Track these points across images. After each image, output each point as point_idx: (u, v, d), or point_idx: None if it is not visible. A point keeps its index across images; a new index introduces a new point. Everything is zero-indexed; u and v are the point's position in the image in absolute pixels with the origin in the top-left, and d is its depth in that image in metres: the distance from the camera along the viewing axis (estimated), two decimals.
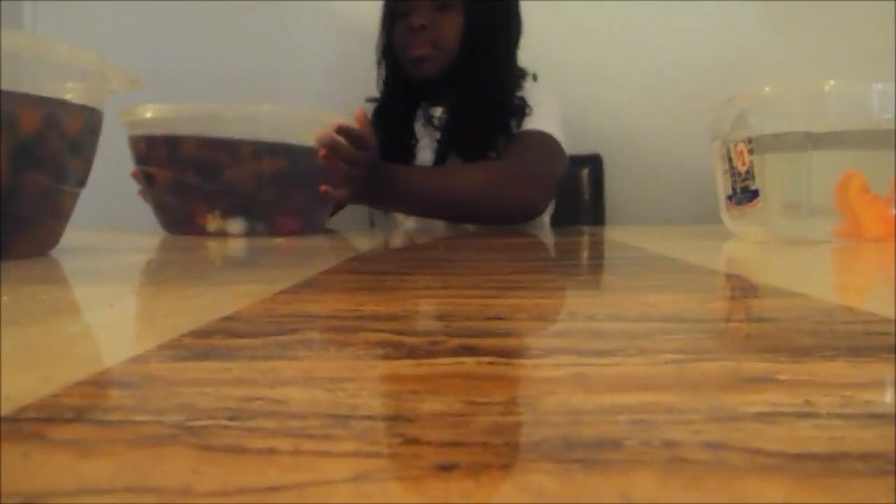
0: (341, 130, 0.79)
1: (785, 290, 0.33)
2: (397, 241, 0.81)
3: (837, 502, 0.10)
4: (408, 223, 1.12)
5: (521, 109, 1.08)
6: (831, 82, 0.63)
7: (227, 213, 0.78)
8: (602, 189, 1.42)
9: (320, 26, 1.44)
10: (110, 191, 1.33)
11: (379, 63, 1.17)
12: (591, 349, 0.19)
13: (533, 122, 1.06)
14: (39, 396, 0.15)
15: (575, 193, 1.41)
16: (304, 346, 0.20)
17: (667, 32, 1.42)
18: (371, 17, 1.17)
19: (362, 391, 0.15)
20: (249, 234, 0.78)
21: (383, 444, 0.12)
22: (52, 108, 0.47)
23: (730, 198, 0.71)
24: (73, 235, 0.56)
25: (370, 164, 0.84)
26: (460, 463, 0.11)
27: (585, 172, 1.41)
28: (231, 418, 0.13)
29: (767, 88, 0.66)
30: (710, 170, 0.75)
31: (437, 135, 1.11)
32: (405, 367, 0.18)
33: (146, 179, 0.82)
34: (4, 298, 0.30)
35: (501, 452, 0.12)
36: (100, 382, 0.16)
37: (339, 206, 1.13)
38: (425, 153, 1.12)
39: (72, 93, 0.49)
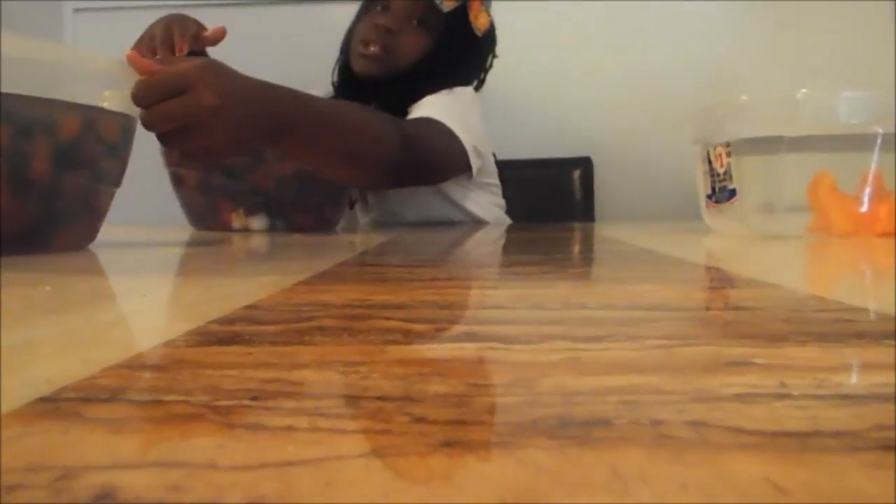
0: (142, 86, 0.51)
1: (760, 281, 0.33)
2: (405, 237, 0.81)
3: (812, 477, 0.09)
4: (407, 214, 1.08)
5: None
6: (803, 91, 0.62)
7: (250, 211, 0.78)
8: (592, 189, 1.42)
9: (324, 27, 1.43)
10: (143, 190, 1.33)
11: (342, 50, 1.06)
12: (584, 335, 0.19)
13: (437, 112, 0.90)
14: (78, 378, 0.15)
15: (567, 193, 1.40)
16: (319, 333, 0.20)
17: (654, 41, 1.41)
18: None
19: (373, 374, 0.15)
20: (270, 230, 0.78)
21: (392, 423, 0.12)
22: (91, 115, 0.47)
23: (709, 196, 0.71)
24: (108, 231, 0.56)
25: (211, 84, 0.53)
26: (463, 440, 0.11)
27: (577, 173, 1.41)
28: (253, 398, 0.13)
29: (744, 97, 0.65)
30: (692, 171, 0.75)
31: None
32: (412, 351, 0.18)
33: (175, 180, 0.81)
34: (47, 288, 0.30)
35: (501, 430, 0.11)
36: (133, 365, 0.16)
37: (352, 203, 1.08)
38: None
39: (108, 101, 0.49)
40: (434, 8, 0.96)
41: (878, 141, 0.62)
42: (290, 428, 0.12)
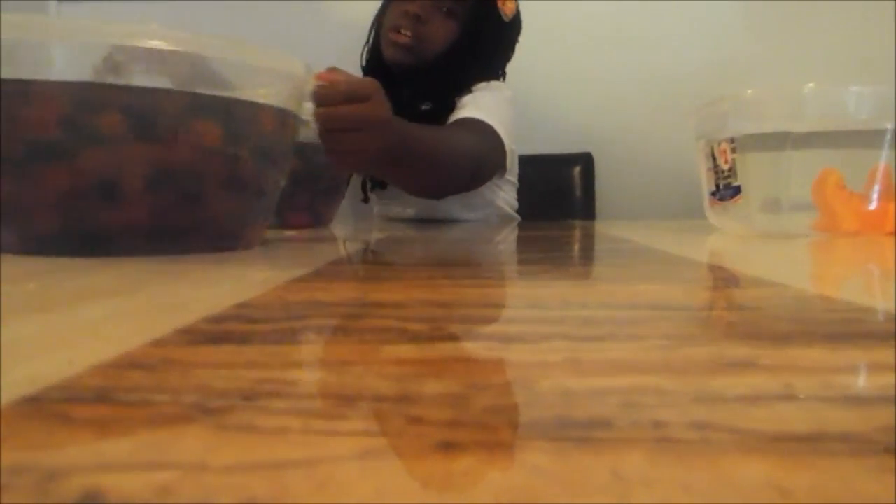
0: (322, 92, 0.58)
1: (765, 281, 0.33)
2: (401, 233, 0.81)
3: (817, 480, 0.09)
4: (407, 212, 1.11)
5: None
6: (810, 85, 0.62)
7: None
8: (593, 185, 1.42)
9: (328, 27, 1.43)
10: None
11: (367, 41, 1.10)
12: (584, 335, 0.19)
13: (484, 113, 0.95)
14: (63, 377, 0.15)
15: (567, 189, 1.40)
16: (313, 332, 0.20)
17: (656, 37, 1.41)
18: (370, 19, 1.17)
19: (368, 374, 0.15)
20: None
21: (388, 424, 0.12)
22: (282, 115, 0.49)
23: (713, 194, 0.71)
24: None
25: (383, 119, 0.62)
26: (461, 441, 0.11)
27: (577, 170, 1.41)
28: (244, 399, 0.13)
29: (749, 91, 0.65)
30: (695, 168, 0.75)
31: None
32: (409, 351, 0.18)
33: None
34: (31, 286, 0.30)
35: (499, 431, 0.12)
36: (120, 364, 0.16)
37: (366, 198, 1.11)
38: None
39: (265, 98, 0.49)
40: None
41: (887, 137, 0.62)
42: (282, 429, 0.12)
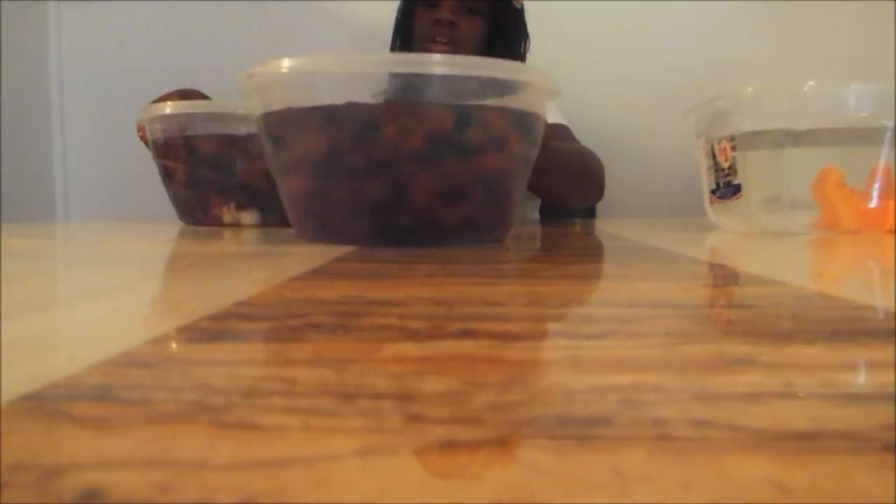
0: None
1: (765, 279, 0.33)
2: None
3: (817, 477, 0.09)
4: None
5: None
6: (811, 83, 0.62)
7: (242, 206, 0.78)
8: None
9: (330, 27, 1.43)
10: (133, 184, 1.33)
11: (392, 46, 1.14)
12: (584, 333, 0.19)
13: (558, 117, 1.05)
14: (64, 375, 0.15)
15: None
16: (313, 330, 0.20)
17: (657, 35, 1.41)
18: (381, 18, 1.17)
19: (368, 372, 0.15)
20: (262, 224, 0.78)
21: (388, 421, 0.12)
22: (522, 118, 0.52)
23: (713, 192, 0.71)
24: (98, 225, 0.55)
25: None
26: (460, 439, 0.11)
27: None
28: (244, 396, 0.13)
29: (750, 89, 0.65)
30: (696, 166, 0.75)
31: None
32: (408, 349, 0.18)
33: (165, 174, 0.81)
34: (30, 285, 0.30)
35: (499, 429, 0.12)
36: (121, 362, 0.16)
37: None
38: None
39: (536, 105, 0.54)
40: None
41: (888, 135, 0.62)
42: (282, 426, 0.12)
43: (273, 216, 0.79)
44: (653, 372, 0.15)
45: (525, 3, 1.14)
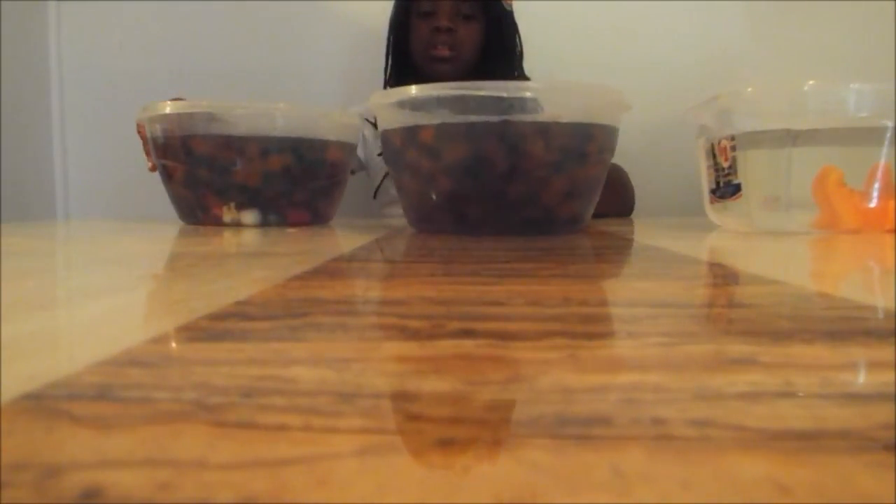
0: None
1: (765, 278, 0.33)
2: (401, 232, 0.81)
3: (816, 477, 0.09)
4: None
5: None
6: (811, 82, 0.62)
7: (241, 206, 0.78)
8: None
9: (330, 27, 1.42)
10: (131, 183, 1.33)
11: (387, 55, 1.16)
12: (584, 332, 0.19)
13: None
14: (64, 375, 0.15)
15: None
16: (313, 329, 0.20)
17: (657, 33, 1.41)
18: (379, 18, 1.16)
19: (368, 371, 0.15)
20: (262, 224, 0.78)
21: (387, 421, 0.12)
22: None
23: (713, 191, 0.71)
24: (98, 224, 0.56)
25: None
26: (460, 438, 0.11)
27: None
28: (244, 396, 0.13)
29: (750, 88, 0.65)
30: (696, 165, 0.75)
31: None
32: (408, 348, 0.18)
33: (164, 173, 0.81)
34: (29, 285, 0.30)
35: (498, 428, 0.12)
36: (121, 362, 0.16)
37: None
38: None
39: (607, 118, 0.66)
40: None
41: (888, 135, 0.62)
42: (282, 426, 0.12)
43: (272, 216, 0.79)
44: (653, 371, 0.15)
45: (523, 2, 1.14)
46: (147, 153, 0.85)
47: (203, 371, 0.15)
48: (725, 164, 0.67)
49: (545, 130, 0.61)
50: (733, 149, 0.66)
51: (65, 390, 0.14)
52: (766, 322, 0.21)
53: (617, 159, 1.45)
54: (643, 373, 0.15)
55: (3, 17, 1.27)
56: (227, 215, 0.78)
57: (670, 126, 1.33)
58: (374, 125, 1.13)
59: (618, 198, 1.02)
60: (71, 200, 1.46)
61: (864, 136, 0.63)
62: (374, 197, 1.18)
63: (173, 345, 0.18)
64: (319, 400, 0.13)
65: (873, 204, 0.63)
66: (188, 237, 0.65)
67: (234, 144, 0.76)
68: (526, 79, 1.15)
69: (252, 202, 0.78)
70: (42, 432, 0.11)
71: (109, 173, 1.44)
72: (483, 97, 0.58)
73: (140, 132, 0.85)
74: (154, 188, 0.89)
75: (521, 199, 0.62)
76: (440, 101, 0.60)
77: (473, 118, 0.59)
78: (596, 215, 0.90)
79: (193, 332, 0.19)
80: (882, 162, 0.62)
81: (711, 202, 0.72)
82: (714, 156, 0.69)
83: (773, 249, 0.51)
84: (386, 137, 0.67)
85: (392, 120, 0.65)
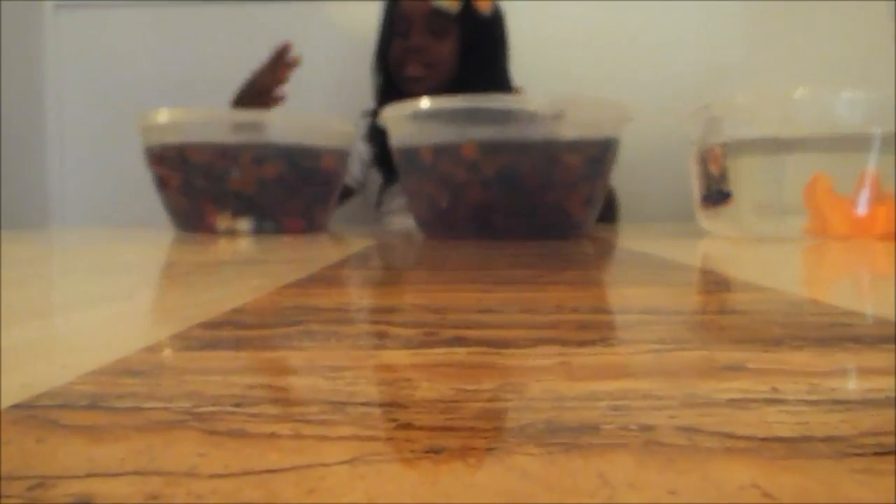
0: None
1: (755, 285, 0.33)
2: (396, 239, 0.81)
3: (801, 483, 0.09)
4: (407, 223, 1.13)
5: None
6: (801, 91, 0.63)
7: (236, 213, 0.78)
8: None
9: (325, 36, 1.43)
10: (127, 191, 1.32)
11: (374, 74, 1.17)
12: (575, 339, 0.19)
13: None
14: (56, 384, 0.15)
15: None
16: (307, 337, 0.20)
17: (652, 40, 1.42)
18: (370, 25, 1.17)
19: (360, 379, 0.15)
20: (257, 232, 0.78)
21: (378, 429, 0.12)
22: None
23: (705, 198, 0.71)
24: (91, 233, 0.55)
25: None
26: (450, 446, 0.11)
27: None
28: (236, 405, 0.13)
29: (741, 97, 0.66)
30: (688, 172, 0.75)
31: None
32: (401, 356, 0.18)
33: (159, 182, 0.81)
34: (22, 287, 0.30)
35: (489, 436, 0.12)
36: (113, 371, 0.16)
37: (343, 197, 1.14)
38: None
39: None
40: (442, 15, 1.06)
41: (877, 142, 0.63)
42: (272, 435, 0.12)
43: (267, 223, 0.79)
44: (642, 378, 0.15)
45: (519, 9, 1.14)
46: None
47: (196, 380, 0.15)
48: (717, 172, 0.68)
49: (577, 143, 0.67)
50: (725, 156, 0.67)
51: (57, 400, 0.14)
52: (755, 329, 0.21)
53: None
54: (633, 380, 0.15)
55: None
56: (222, 223, 0.78)
57: (663, 133, 1.34)
58: (372, 141, 1.13)
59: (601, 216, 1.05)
60: (66, 208, 1.46)
61: (853, 143, 0.63)
62: (378, 208, 1.17)
63: (167, 353, 0.18)
64: (311, 409, 0.13)
65: (862, 210, 0.63)
66: (183, 245, 0.65)
67: (228, 152, 0.76)
68: (510, 86, 1.15)
69: (247, 210, 0.78)
70: (33, 442, 0.11)
71: (105, 181, 1.43)
72: (523, 111, 0.65)
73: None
74: (149, 196, 0.89)
75: (549, 206, 0.68)
76: (476, 114, 0.65)
77: (513, 133, 0.65)
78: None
79: (187, 340, 0.19)
80: (870, 169, 0.63)
81: (703, 209, 0.72)
82: (705, 163, 0.70)
83: (764, 256, 0.52)
84: (410, 149, 0.69)
85: (417, 132, 0.69)
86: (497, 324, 0.22)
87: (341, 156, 0.85)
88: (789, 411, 0.13)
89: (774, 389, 0.14)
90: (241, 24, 1.42)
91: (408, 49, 1.06)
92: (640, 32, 1.43)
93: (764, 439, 0.11)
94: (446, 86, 1.06)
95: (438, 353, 0.18)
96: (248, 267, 0.46)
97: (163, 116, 0.78)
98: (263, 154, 0.77)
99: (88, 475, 0.10)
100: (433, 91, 1.06)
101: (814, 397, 0.14)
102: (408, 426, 0.12)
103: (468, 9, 1.07)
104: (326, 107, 1.40)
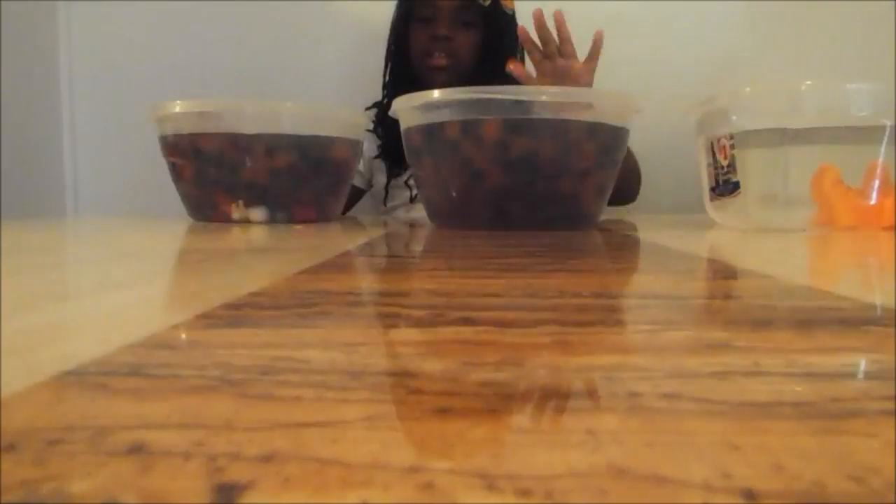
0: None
1: (755, 273, 0.34)
2: (406, 229, 0.82)
3: (764, 437, 0.11)
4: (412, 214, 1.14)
5: None
6: (808, 82, 0.63)
7: (250, 203, 0.79)
8: None
9: (336, 27, 1.44)
10: (140, 181, 1.35)
11: (386, 63, 1.17)
12: (575, 320, 0.21)
13: None
14: (98, 355, 0.16)
15: None
16: (322, 317, 0.21)
17: (657, 33, 1.42)
18: (382, 18, 1.18)
19: (374, 353, 0.17)
20: (270, 221, 0.80)
21: (391, 393, 0.13)
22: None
23: (713, 189, 0.72)
24: (110, 222, 0.57)
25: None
26: (455, 407, 0.12)
27: None
28: (263, 373, 0.15)
29: (748, 88, 0.67)
30: (696, 163, 0.76)
31: None
32: (411, 334, 0.19)
33: (174, 171, 0.83)
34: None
35: (490, 400, 0.13)
36: (148, 344, 0.17)
37: (353, 200, 1.15)
38: None
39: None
40: (474, 3, 1.07)
41: (886, 134, 0.63)
42: (298, 397, 0.13)
43: (279, 213, 0.80)
44: (633, 354, 0.16)
45: (524, 2, 1.15)
46: None
47: (224, 353, 0.16)
48: (724, 163, 0.69)
49: (594, 130, 0.68)
50: (732, 147, 0.67)
51: (101, 368, 0.15)
52: (747, 312, 0.23)
53: None
54: (625, 355, 0.16)
55: (13, 17, 1.29)
56: (236, 213, 0.79)
57: (671, 124, 1.34)
58: (377, 134, 1.14)
59: (622, 183, 1.03)
60: (80, 198, 1.48)
61: (861, 134, 0.64)
62: (385, 204, 1.18)
63: (195, 330, 0.19)
64: (330, 377, 0.14)
65: (870, 202, 0.64)
66: (198, 234, 0.67)
67: (241, 143, 0.78)
68: None
69: (260, 200, 0.79)
70: (87, 401, 0.13)
71: (118, 171, 1.46)
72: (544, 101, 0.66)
73: None
74: (161, 187, 0.90)
75: (564, 195, 0.69)
76: (495, 103, 0.65)
77: (535, 116, 0.65)
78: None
79: (212, 319, 0.21)
80: (880, 160, 0.63)
81: (711, 199, 0.73)
82: (713, 154, 0.71)
83: (769, 246, 0.53)
84: (426, 132, 0.70)
85: (434, 115, 0.69)
86: (501, 306, 0.23)
87: (352, 146, 0.87)
88: (765, 382, 0.14)
89: (755, 364, 0.15)
90: (251, 18, 1.44)
91: (434, 37, 1.06)
92: (648, 24, 1.43)
93: (738, 404, 0.13)
94: (465, 78, 1.07)
95: (446, 332, 0.19)
96: (262, 254, 0.47)
97: (177, 107, 0.79)
98: (275, 144, 0.78)
99: (140, 426, 0.11)
100: (453, 82, 1.07)
101: (790, 370, 0.15)
102: (418, 391, 0.13)
103: (495, 4, 1.08)
104: (337, 98, 1.41)
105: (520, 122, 0.66)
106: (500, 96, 0.65)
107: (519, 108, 0.66)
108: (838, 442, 0.11)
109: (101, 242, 0.54)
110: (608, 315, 0.22)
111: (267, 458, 0.10)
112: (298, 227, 0.75)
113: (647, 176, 1.43)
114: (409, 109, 0.71)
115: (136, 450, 0.10)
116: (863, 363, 0.16)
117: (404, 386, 0.14)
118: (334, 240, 0.60)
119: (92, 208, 1.48)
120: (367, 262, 0.42)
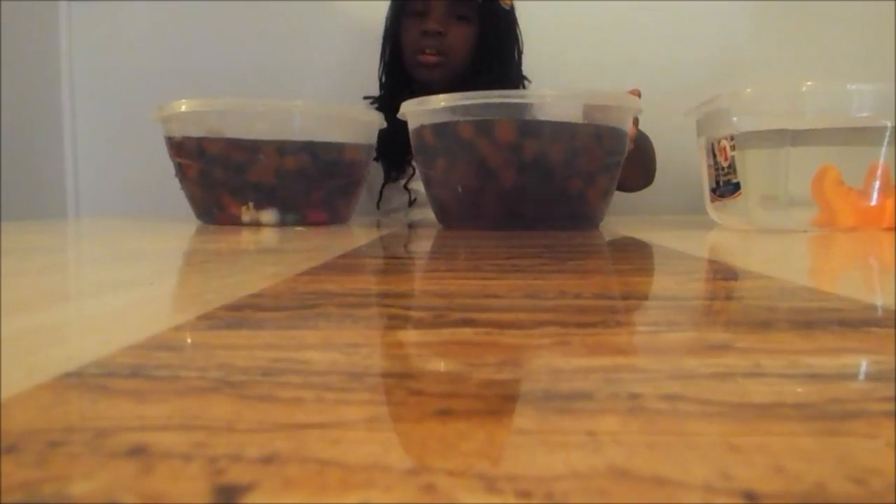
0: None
1: (756, 273, 0.34)
2: (408, 231, 0.82)
3: (765, 438, 0.11)
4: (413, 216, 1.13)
5: None
6: (809, 83, 0.63)
7: (260, 205, 0.79)
8: None
9: (333, 27, 1.44)
10: (142, 182, 1.35)
11: (383, 55, 1.15)
12: (575, 321, 0.21)
13: None
14: (99, 357, 0.16)
15: None
16: (323, 318, 0.21)
17: (658, 34, 1.42)
18: (381, 18, 1.18)
19: (374, 354, 0.17)
20: (281, 224, 0.79)
21: (392, 395, 0.13)
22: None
23: (713, 190, 0.72)
24: (114, 223, 0.57)
25: None
26: (456, 409, 0.12)
27: None
28: (263, 374, 0.15)
29: (749, 89, 0.67)
30: (697, 164, 0.76)
31: None
32: (412, 335, 0.19)
33: (179, 173, 0.83)
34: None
35: (490, 401, 0.13)
36: (148, 346, 0.17)
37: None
38: None
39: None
40: (467, 0, 1.04)
41: (886, 134, 0.63)
42: (298, 399, 0.13)
43: (290, 215, 0.80)
44: (634, 356, 0.16)
45: (521, 2, 1.14)
46: None
47: (224, 354, 0.16)
48: (725, 164, 0.69)
49: (601, 133, 0.70)
50: (733, 148, 0.67)
51: (102, 369, 0.15)
52: (748, 313, 0.23)
53: None
54: (626, 356, 0.16)
55: (13, 17, 1.30)
56: (246, 215, 0.79)
57: (672, 124, 1.34)
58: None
59: (640, 169, 1.03)
60: (81, 199, 1.48)
61: (862, 135, 0.64)
62: (378, 207, 1.16)
63: (195, 332, 0.19)
64: (331, 378, 0.15)
65: (871, 202, 0.64)
66: (201, 235, 0.67)
67: (248, 143, 0.77)
68: (524, 80, 1.15)
69: (269, 201, 0.79)
70: (88, 403, 0.13)
71: (119, 172, 1.46)
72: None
73: None
74: (163, 188, 0.90)
75: (572, 196, 0.71)
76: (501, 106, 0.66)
77: (546, 118, 0.67)
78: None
79: (212, 320, 0.21)
80: (881, 161, 0.63)
81: (712, 200, 0.73)
82: (714, 155, 0.71)
83: (770, 247, 0.53)
84: (448, 125, 0.70)
85: (447, 115, 0.69)
86: (502, 308, 0.23)
87: (364, 148, 0.86)
88: (766, 383, 0.14)
89: (756, 365, 0.15)
90: (254, 17, 1.44)
91: (425, 32, 1.03)
92: (648, 25, 1.43)
93: (739, 405, 0.13)
94: (460, 74, 1.05)
95: (446, 333, 0.19)
96: (263, 256, 0.47)
97: (183, 107, 0.79)
98: (284, 145, 0.78)
99: (141, 428, 0.11)
100: (445, 78, 1.05)
101: (791, 371, 0.15)
102: (418, 392, 0.13)
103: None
104: (339, 97, 1.41)
105: (533, 125, 0.67)
106: (510, 100, 0.66)
107: (530, 110, 0.66)
108: (839, 443, 0.11)
109: (103, 243, 0.54)
110: (609, 316, 0.22)
111: (268, 460, 0.10)
112: (301, 229, 0.75)
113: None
114: (419, 111, 0.72)
115: (137, 451, 0.10)
116: (864, 364, 0.16)
117: (405, 387, 0.14)
118: (336, 241, 0.60)
119: (92, 209, 1.48)
120: (369, 263, 0.42)
